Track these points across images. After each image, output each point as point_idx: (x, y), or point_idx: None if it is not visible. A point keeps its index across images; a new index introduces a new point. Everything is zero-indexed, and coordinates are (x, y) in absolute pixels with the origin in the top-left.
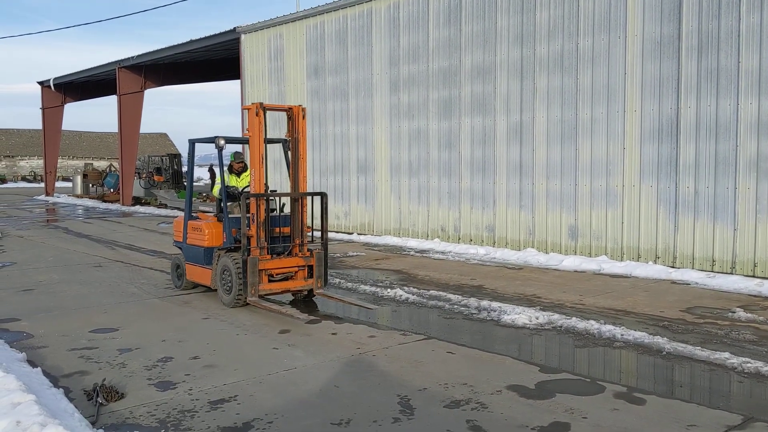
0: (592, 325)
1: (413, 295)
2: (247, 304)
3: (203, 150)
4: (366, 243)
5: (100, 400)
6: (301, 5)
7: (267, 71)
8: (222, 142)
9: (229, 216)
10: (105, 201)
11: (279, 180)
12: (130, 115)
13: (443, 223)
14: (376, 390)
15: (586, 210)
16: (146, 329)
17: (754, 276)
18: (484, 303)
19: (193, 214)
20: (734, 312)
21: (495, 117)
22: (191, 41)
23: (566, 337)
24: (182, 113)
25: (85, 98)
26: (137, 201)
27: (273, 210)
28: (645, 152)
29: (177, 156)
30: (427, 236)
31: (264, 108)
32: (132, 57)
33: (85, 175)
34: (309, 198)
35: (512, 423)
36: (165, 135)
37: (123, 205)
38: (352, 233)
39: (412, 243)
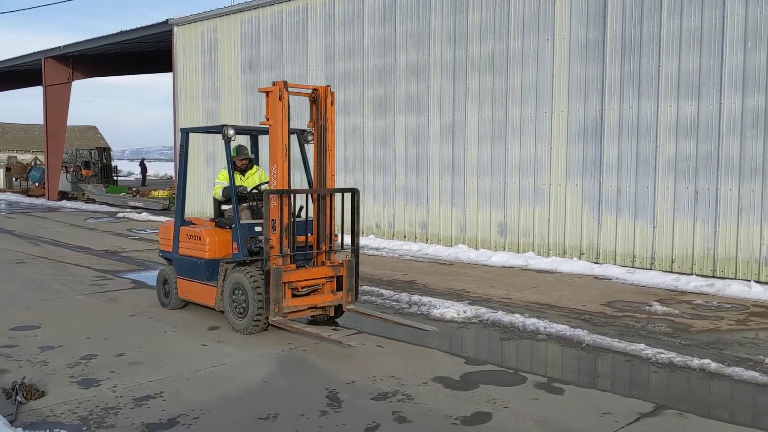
0: (517, 319)
1: None
2: (268, 327)
3: (138, 143)
4: None
5: (19, 398)
6: None
7: (200, 65)
8: (231, 132)
9: (241, 222)
10: (29, 195)
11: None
12: (56, 106)
13: (378, 220)
14: (305, 384)
15: (515, 207)
16: (70, 327)
17: (671, 271)
18: (415, 298)
19: (187, 219)
20: (651, 306)
21: (429, 116)
22: (122, 32)
23: (492, 330)
24: (112, 105)
25: (8, 88)
26: (64, 196)
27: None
28: (571, 152)
29: (106, 149)
30: (363, 232)
31: (288, 89)
32: (59, 47)
33: (8, 169)
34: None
35: (437, 413)
36: (94, 128)
37: (49, 199)
38: None
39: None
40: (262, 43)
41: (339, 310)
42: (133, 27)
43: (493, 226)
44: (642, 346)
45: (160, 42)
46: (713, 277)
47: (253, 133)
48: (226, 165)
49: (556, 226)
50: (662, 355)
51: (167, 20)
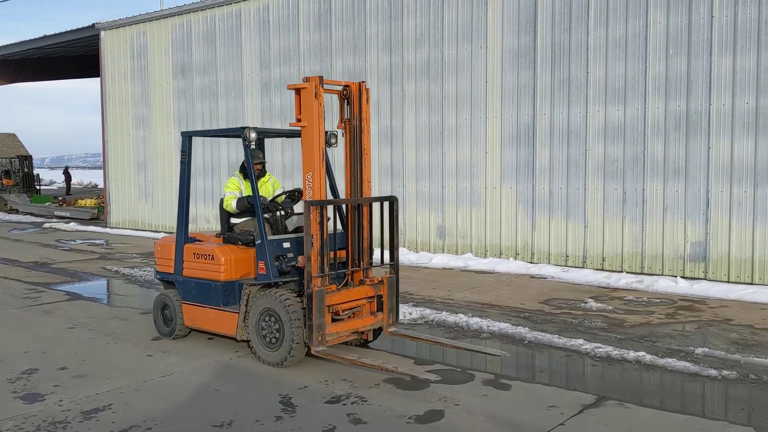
0: (461, 318)
1: None
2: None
3: (59, 150)
4: None
5: None
6: (165, 3)
7: (130, 70)
8: (253, 135)
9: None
10: None
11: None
12: None
13: None
14: (257, 391)
15: (453, 210)
16: (6, 341)
17: (603, 269)
18: None
19: (191, 236)
20: (586, 302)
21: None
22: (45, 36)
23: (438, 330)
24: (34, 112)
25: None
26: None
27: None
28: (505, 156)
29: (28, 158)
30: None
31: (323, 85)
32: None
33: None
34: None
35: (391, 413)
36: (14, 135)
37: None
38: None
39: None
40: (194, 48)
41: (377, 332)
42: (58, 31)
43: (433, 228)
44: (581, 341)
45: (86, 47)
46: (642, 273)
47: (284, 135)
48: (237, 172)
49: (492, 228)
50: (600, 350)
51: (94, 24)
